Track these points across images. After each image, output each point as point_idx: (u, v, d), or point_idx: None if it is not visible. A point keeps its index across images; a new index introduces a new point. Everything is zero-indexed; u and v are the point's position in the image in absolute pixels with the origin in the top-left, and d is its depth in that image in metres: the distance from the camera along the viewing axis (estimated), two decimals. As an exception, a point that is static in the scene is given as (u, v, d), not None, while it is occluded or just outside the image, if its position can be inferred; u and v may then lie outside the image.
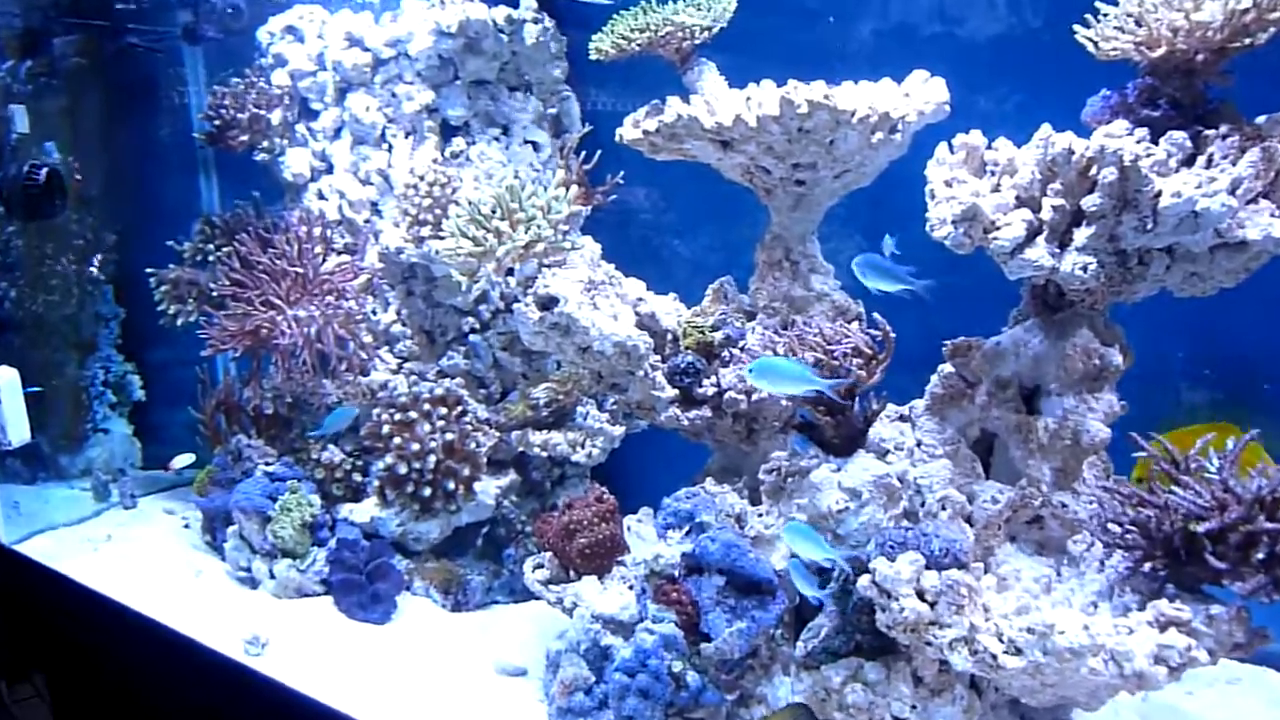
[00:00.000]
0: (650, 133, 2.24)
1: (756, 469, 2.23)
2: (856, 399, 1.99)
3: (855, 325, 2.20)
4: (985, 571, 1.84)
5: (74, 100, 3.27)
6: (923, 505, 1.91)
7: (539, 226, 2.18)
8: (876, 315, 1.97)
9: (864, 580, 1.75)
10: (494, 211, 2.22)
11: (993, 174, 1.90)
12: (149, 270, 3.01)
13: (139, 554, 2.89)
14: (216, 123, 2.79)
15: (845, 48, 2.50)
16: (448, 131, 2.74)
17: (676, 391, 2.21)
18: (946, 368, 2.07)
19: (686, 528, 2.02)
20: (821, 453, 2.01)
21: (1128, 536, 1.68)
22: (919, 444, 1.96)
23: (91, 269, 3.22)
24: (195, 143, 3.22)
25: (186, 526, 3.08)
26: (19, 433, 2.86)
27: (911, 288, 1.88)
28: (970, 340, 2.03)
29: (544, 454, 2.61)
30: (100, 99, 3.33)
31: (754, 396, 2.15)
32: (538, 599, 2.19)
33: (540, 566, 2.16)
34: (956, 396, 1.97)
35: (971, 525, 1.90)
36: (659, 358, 2.22)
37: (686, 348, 2.23)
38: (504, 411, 2.69)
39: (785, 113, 2.01)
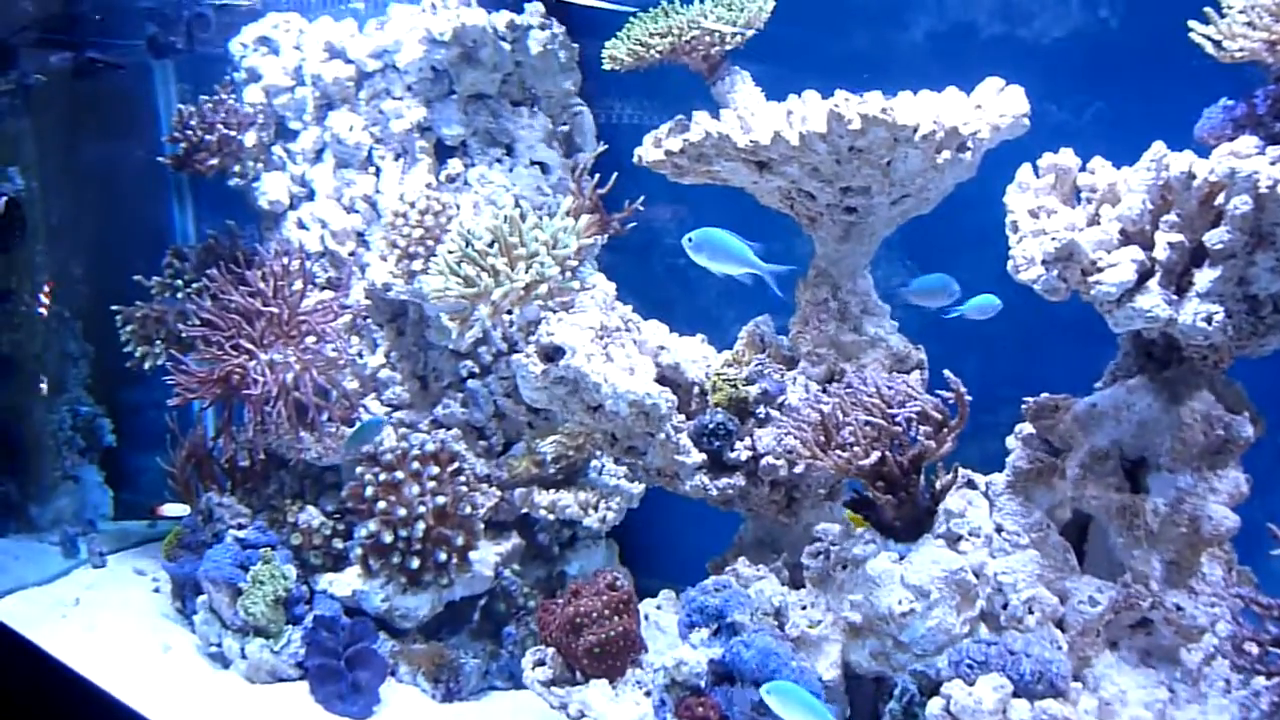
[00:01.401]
0: (674, 153, 1.92)
1: (798, 543, 1.90)
2: (922, 473, 1.65)
3: (916, 376, 1.87)
4: (1084, 690, 1.50)
5: (38, 121, 2.98)
6: (1005, 607, 1.56)
7: (542, 264, 1.86)
8: (947, 373, 1.62)
9: (934, 706, 1.41)
10: (491, 245, 1.90)
11: (1089, 202, 1.57)
12: (114, 308, 2.70)
13: (107, 623, 2.59)
14: (183, 145, 2.48)
15: (897, 52, 2.17)
16: (443, 152, 2.42)
17: (704, 456, 1.88)
18: (1027, 429, 1.73)
19: (715, 626, 1.68)
20: (879, 537, 1.66)
21: (1272, 661, 1.34)
22: (999, 529, 1.62)
23: (40, 303, 2.93)
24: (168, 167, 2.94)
25: (157, 590, 2.77)
26: None
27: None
28: (1057, 399, 1.69)
29: (551, 516, 2.28)
30: (65, 120, 3.05)
31: (795, 465, 1.81)
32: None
33: (541, 663, 1.83)
34: (1044, 472, 1.63)
35: (1064, 631, 1.55)
36: (683, 416, 1.89)
37: (716, 404, 1.90)
38: (506, 467, 2.37)
39: (834, 129, 1.69)
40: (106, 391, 3.21)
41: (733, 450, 1.87)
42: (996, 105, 1.73)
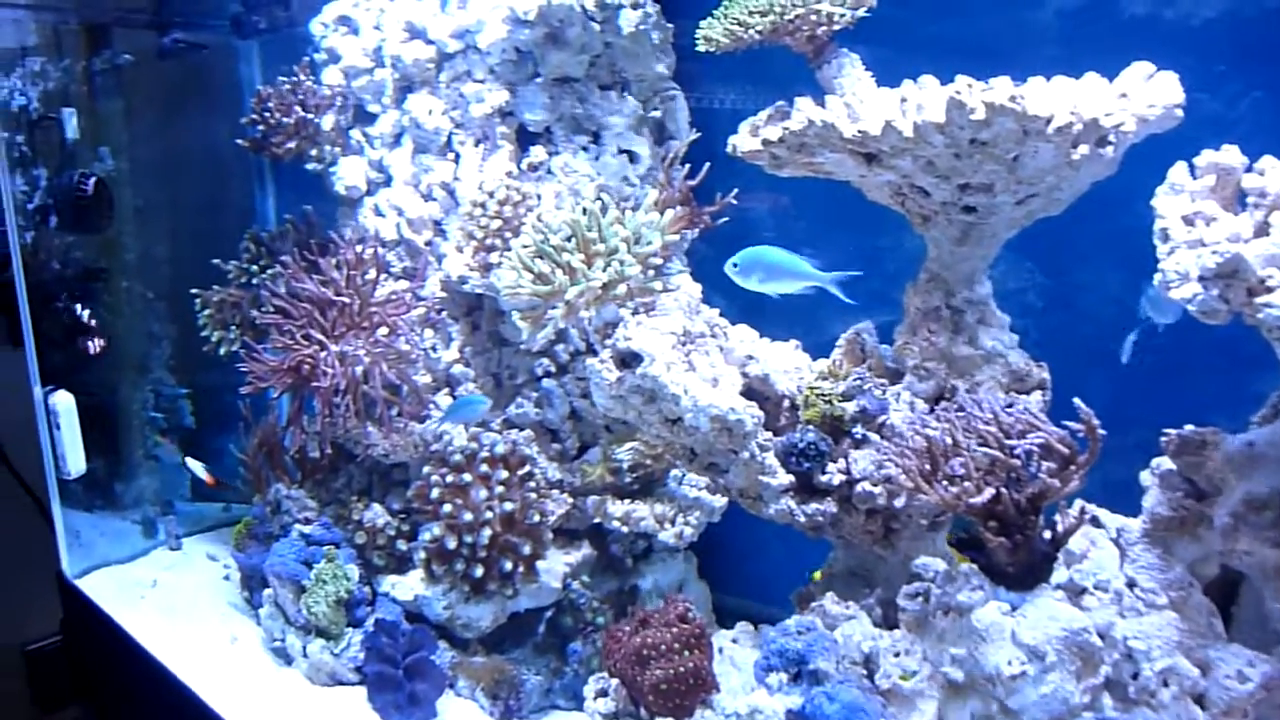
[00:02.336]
0: (772, 143, 1.74)
1: (893, 577, 1.71)
2: (1041, 513, 1.43)
3: (1036, 398, 1.65)
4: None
5: (127, 102, 2.95)
6: (1135, 677, 1.34)
7: (622, 262, 1.69)
8: (1077, 401, 1.40)
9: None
10: (568, 240, 1.75)
11: (1256, 208, 1.33)
12: (194, 291, 2.64)
13: (180, 608, 2.60)
14: (261, 127, 2.39)
15: (1025, 34, 1.94)
16: (526, 139, 2.27)
17: (792, 478, 1.69)
18: (1166, 464, 1.50)
19: (795, 671, 1.50)
20: (988, 583, 1.46)
21: None
22: (1131, 584, 1.40)
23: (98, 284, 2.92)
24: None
25: (227, 578, 2.74)
26: (77, 462, 2.64)
27: None
28: (1204, 433, 1.46)
29: (625, 528, 2.12)
30: (152, 101, 3.00)
31: (896, 496, 1.61)
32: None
33: (604, 694, 1.68)
34: (1188, 521, 1.40)
35: (1205, 709, 1.33)
36: (770, 433, 1.70)
37: (808, 421, 1.71)
38: (580, 473, 2.22)
39: (954, 118, 1.48)
40: (187, 373, 3.18)
41: (824, 473, 1.67)
42: (1145, 94, 1.50)
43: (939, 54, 1.71)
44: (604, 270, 1.70)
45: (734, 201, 2.01)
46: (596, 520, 2.18)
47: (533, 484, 2.14)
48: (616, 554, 2.28)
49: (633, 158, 2.25)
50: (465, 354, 2.33)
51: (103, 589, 2.73)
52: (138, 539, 3.00)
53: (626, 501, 2.14)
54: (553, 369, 2.26)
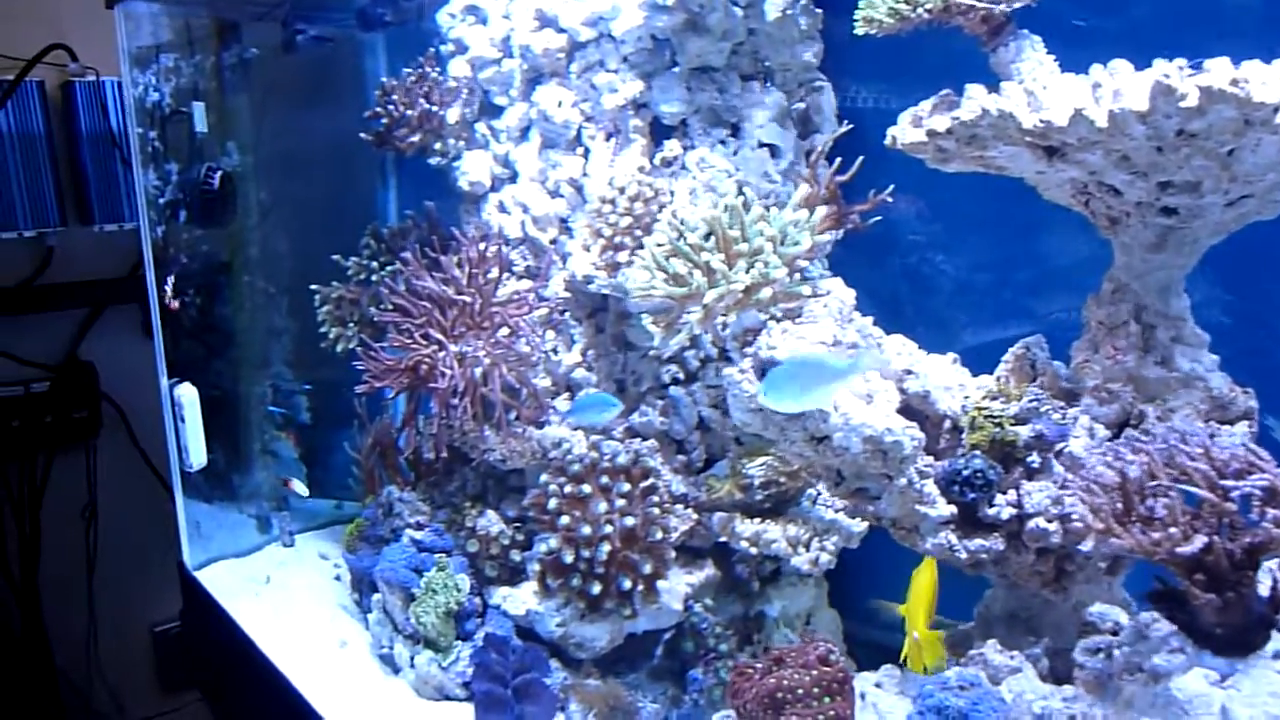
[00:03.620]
0: (939, 133, 1.55)
1: (1062, 623, 1.52)
2: (1258, 568, 1.22)
3: (1242, 428, 1.43)
4: None
5: (255, 97, 2.93)
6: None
7: (766, 263, 1.54)
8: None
9: None
10: (707, 239, 1.60)
11: None
12: (313, 286, 2.59)
13: (291, 607, 2.55)
14: (385, 120, 2.32)
15: (1225, 12, 1.70)
16: (660, 132, 2.13)
17: (954, 509, 1.50)
18: None
19: (958, 731, 1.31)
20: (1190, 645, 1.25)
21: None
22: (1377, 658, 1.17)
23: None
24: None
25: (338, 579, 2.68)
26: (199, 454, 2.62)
27: None
28: None
29: (754, 549, 1.96)
30: (280, 95, 2.98)
31: (1083, 539, 1.41)
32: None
33: (738, 738, 1.52)
34: None
35: None
36: (931, 457, 1.52)
37: (973, 445, 1.51)
38: (706, 488, 2.07)
39: (1159, 106, 1.28)
40: (305, 369, 3.15)
41: (992, 505, 1.48)
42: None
43: (1121, 39, 1.51)
44: (747, 272, 1.55)
45: (889, 199, 1.84)
46: (722, 539, 2.02)
47: (655, 498, 2.00)
48: (742, 575, 2.12)
49: (774, 152, 2.08)
50: (588, 357, 2.20)
51: (220, 582, 2.72)
52: (253, 534, 2.97)
53: (756, 521, 1.98)
54: (681, 376, 2.11)
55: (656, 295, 1.60)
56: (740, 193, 1.66)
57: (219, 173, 2.69)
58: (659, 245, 1.64)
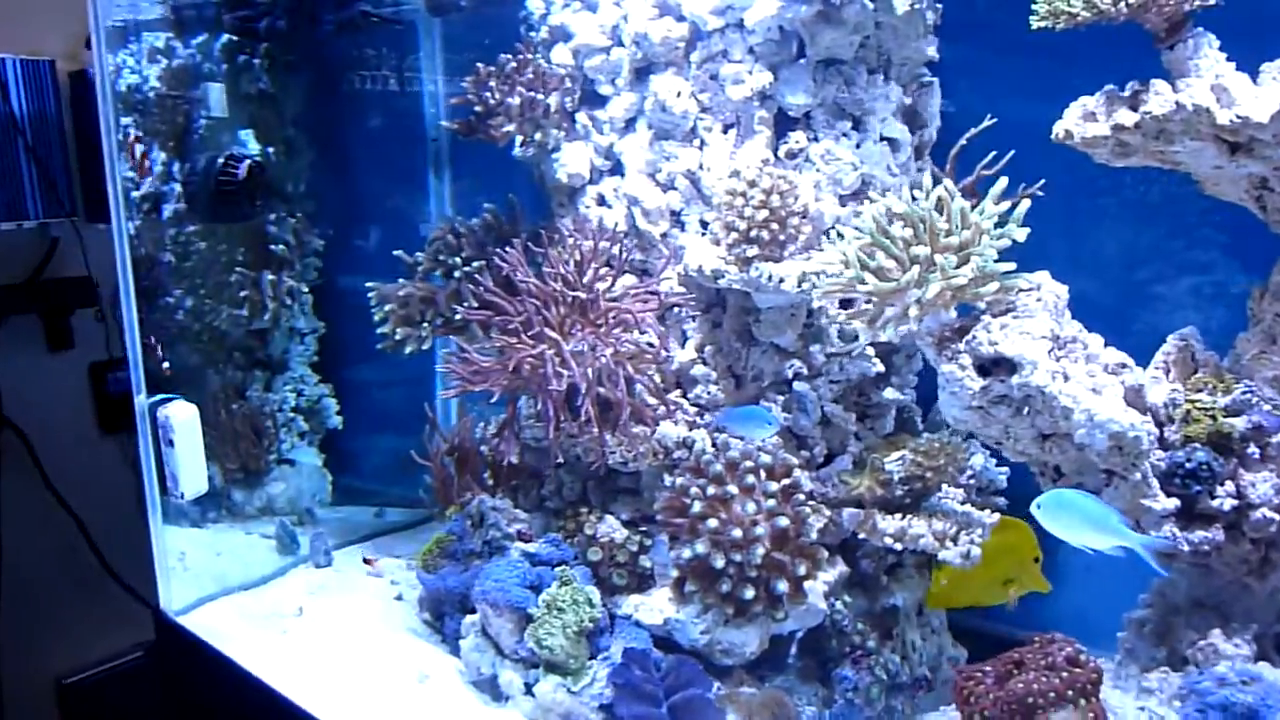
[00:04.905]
0: (1126, 128, 1.56)
1: (1256, 610, 1.52)
2: None
3: None
4: None
5: (276, 82, 2.70)
6: None
7: (982, 255, 1.50)
8: None
9: None
10: (917, 229, 1.55)
11: None
12: (369, 285, 2.39)
13: (343, 640, 2.19)
14: (479, 108, 2.16)
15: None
16: (779, 125, 2.06)
17: (1175, 502, 1.50)
18: None
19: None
20: None
21: None
22: None
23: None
24: (427, 135, 2.63)
25: (399, 599, 2.43)
26: (195, 482, 2.24)
27: None
28: None
29: (898, 545, 1.92)
30: (309, 81, 2.76)
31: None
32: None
33: (967, 739, 1.47)
34: None
35: None
36: (1160, 451, 1.50)
37: (1188, 438, 1.51)
38: (840, 484, 2.01)
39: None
40: (329, 370, 2.92)
41: (1215, 497, 1.48)
42: None
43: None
44: (964, 265, 1.50)
45: (1039, 193, 1.83)
46: (861, 535, 1.97)
47: (800, 496, 1.93)
48: (867, 570, 2.07)
49: (894, 146, 2.05)
50: (704, 353, 2.11)
51: (224, 624, 2.28)
52: (269, 557, 2.64)
53: (898, 517, 1.93)
54: (805, 371, 2.05)
55: (864, 289, 1.54)
56: (938, 182, 1.61)
57: (245, 161, 2.43)
58: (854, 239, 1.58)
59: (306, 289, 2.75)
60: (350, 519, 2.86)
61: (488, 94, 2.13)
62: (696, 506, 1.90)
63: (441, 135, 2.68)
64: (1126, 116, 1.57)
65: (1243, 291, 1.71)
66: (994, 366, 1.51)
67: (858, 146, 2.02)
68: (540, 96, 2.11)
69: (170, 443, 2.22)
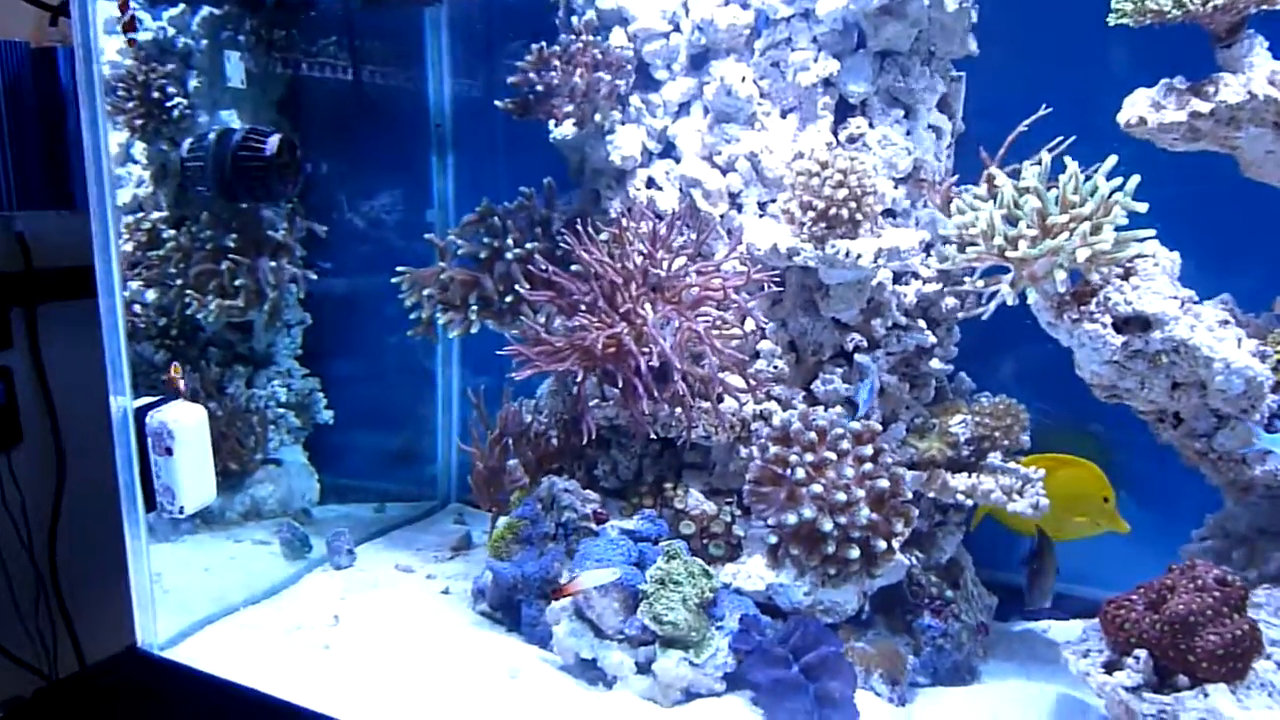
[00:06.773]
0: (1202, 115, 1.72)
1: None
2: None
3: None
4: None
5: (259, 61, 2.46)
6: None
7: (1115, 225, 1.61)
8: None
9: None
10: (1048, 202, 1.64)
11: None
12: (400, 269, 2.24)
13: (400, 645, 1.99)
14: (539, 87, 2.06)
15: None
16: (837, 111, 2.10)
17: (1275, 439, 1.67)
18: None
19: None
20: None
21: None
22: None
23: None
24: (430, 120, 2.48)
25: (446, 592, 2.29)
26: (199, 494, 1.95)
27: None
28: None
29: (969, 501, 2.02)
30: (297, 61, 2.52)
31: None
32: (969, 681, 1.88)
33: (1119, 667, 1.58)
34: None
35: None
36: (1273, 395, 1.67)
37: (1280, 384, 1.68)
38: (909, 447, 2.09)
39: None
40: (313, 364, 2.70)
41: (1311, 435, 1.67)
42: None
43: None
44: (1096, 232, 1.61)
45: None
46: (930, 494, 2.05)
47: (888, 460, 1.99)
48: (920, 528, 2.16)
49: (938, 133, 2.15)
50: (766, 328, 2.12)
51: (237, 649, 1.99)
52: (275, 564, 2.41)
53: (967, 475, 2.04)
54: (865, 343, 2.11)
55: (1010, 257, 1.62)
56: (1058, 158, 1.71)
57: (272, 137, 2.21)
58: (998, 209, 1.66)
59: (315, 275, 2.51)
60: (351, 516, 2.67)
61: (551, 74, 2.03)
62: (799, 473, 1.92)
63: (445, 120, 2.53)
64: (1202, 105, 1.72)
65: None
66: (1125, 325, 1.62)
67: (908, 133, 2.10)
68: (607, 78, 2.04)
69: (168, 450, 1.94)
